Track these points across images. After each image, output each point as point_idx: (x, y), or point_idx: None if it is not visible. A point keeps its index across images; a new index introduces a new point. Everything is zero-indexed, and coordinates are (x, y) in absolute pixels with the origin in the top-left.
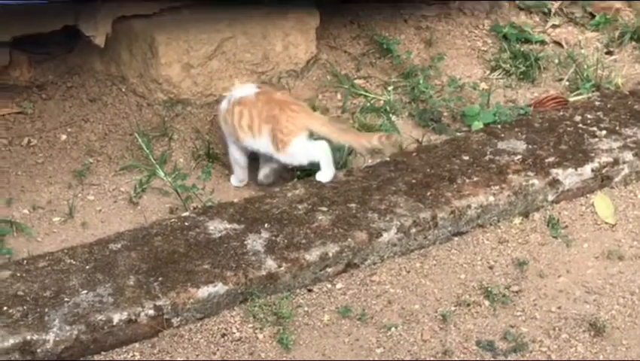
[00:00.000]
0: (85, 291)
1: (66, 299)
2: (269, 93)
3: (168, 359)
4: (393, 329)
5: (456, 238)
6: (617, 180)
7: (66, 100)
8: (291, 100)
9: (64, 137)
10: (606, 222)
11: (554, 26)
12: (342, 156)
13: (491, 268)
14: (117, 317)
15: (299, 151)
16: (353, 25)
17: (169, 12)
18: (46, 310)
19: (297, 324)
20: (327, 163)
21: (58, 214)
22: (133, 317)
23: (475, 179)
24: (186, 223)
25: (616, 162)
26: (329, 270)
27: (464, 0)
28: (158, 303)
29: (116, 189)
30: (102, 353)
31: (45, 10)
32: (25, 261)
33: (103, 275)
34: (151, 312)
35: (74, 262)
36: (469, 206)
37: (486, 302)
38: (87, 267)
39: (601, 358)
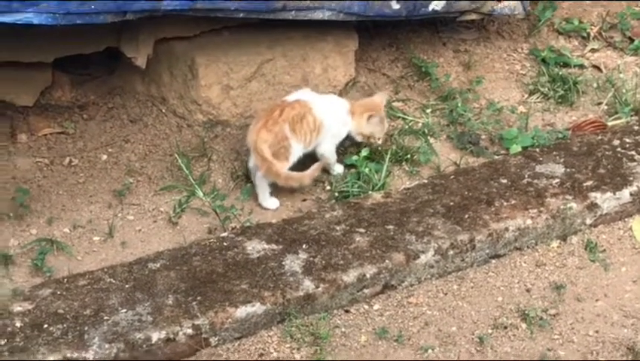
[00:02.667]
0: (124, 310)
1: (106, 318)
2: None
3: None
4: (430, 350)
5: (494, 261)
6: None
7: (107, 120)
8: None
9: (105, 157)
10: None
11: (593, 50)
12: (380, 178)
13: (528, 291)
14: (155, 336)
15: None
16: (392, 48)
17: (209, 34)
18: (85, 328)
19: (334, 345)
20: None
21: (98, 233)
22: (172, 336)
23: (513, 202)
24: (224, 243)
25: None
26: (366, 291)
27: (502, 23)
28: (196, 322)
29: (155, 209)
30: None
31: (87, 32)
32: (65, 279)
33: (142, 294)
34: (190, 331)
35: (113, 281)
36: (507, 229)
37: (523, 325)
38: (127, 286)
39: None
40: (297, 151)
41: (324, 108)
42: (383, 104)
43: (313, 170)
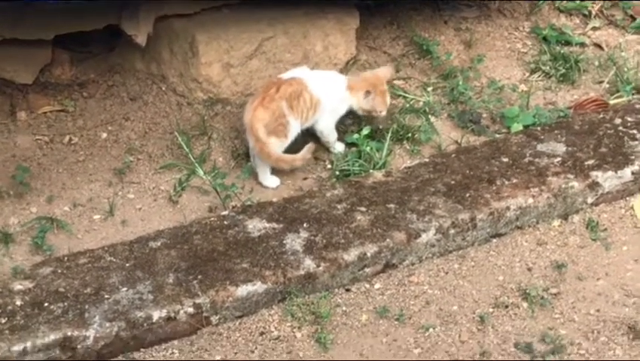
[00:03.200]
0: (125, 288)
1: (106, 296)
2: None
3: (206, 357)
4: (431, 329)
5: (495, 240)
6: None
7: (107, 98)
8: None
9: (105, 135)
10: None
11: (594, 29)
12: (381, 157)
13: (529, 270)
14: (156, 315)
15: None
16: (393, 26)
17: (209, 11)
18: (86, 306)
19: (335, 324)
20: None
21: (98, 212)
22: (172, 315)
23: (514, 181)
24: (225, 222)
25: None
26: (367, 270)
27: (504, 0)
28: (197, 301)
29: (156, 187)
30: (142, 350)
31: (87, 9)
32: (65, 258)
33: (143, 273)
34: (190, 310)
35: (114, 260)
36: (508, 208)
37: (524, 304)
38: (127, 264)
39: None
40: (294, 128)
41: (320, 85)
42: (386, 79)
43: (305, 152)
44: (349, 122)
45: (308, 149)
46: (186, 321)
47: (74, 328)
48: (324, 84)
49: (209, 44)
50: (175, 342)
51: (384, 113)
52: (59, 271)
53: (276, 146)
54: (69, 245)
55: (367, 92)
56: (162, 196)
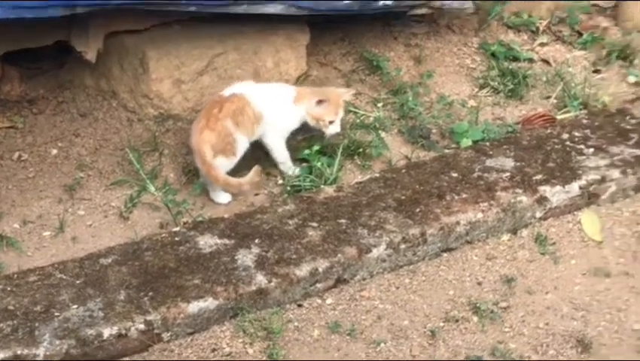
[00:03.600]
0: (75, 306)
1: (56, 314)
2: None
3: None
4: (382, 344)
5: (445, 254)
6: (603, 197)
7: (57, 115)
8: None
9: (55, 151)
10: (593, 240)
11: (542, 44)
12: (332, 172)
13: (479, 284)
14: (107, 332)
15: None
16: (343, 42)
17: (160, 27)
18: (36, 324)
19: (287, 339)
20: None
21: (48, 229)
22: (123, 332)
23: (464, 196)
24: (176, 238)
25: (603, 179)
26: (319, 285)
27: (452, 17)
28: (148, 318)
29: (106, 203)
30: None
31: (37, 26)
32: (15, 275)
33: (94, 290)
34: (142, 327)
35: (64, 277)
36: (458, 222)
37: (475, 318)
38: (78, 281)
39: None
40: (242, 144)
41: (263, 99)
42: (343, 97)
43: (252, 175)
44: (300, 137)
45: (255, 172)
46: (137, 338)
47: (24, 346)
48: (268, 97)
49: (160, 60)
50: (126, 359)
51: (335, 129)
52: (9, 288)
53: (225, 165)
54: (19, 263)
55: (320, 101)
56: (113, 213)
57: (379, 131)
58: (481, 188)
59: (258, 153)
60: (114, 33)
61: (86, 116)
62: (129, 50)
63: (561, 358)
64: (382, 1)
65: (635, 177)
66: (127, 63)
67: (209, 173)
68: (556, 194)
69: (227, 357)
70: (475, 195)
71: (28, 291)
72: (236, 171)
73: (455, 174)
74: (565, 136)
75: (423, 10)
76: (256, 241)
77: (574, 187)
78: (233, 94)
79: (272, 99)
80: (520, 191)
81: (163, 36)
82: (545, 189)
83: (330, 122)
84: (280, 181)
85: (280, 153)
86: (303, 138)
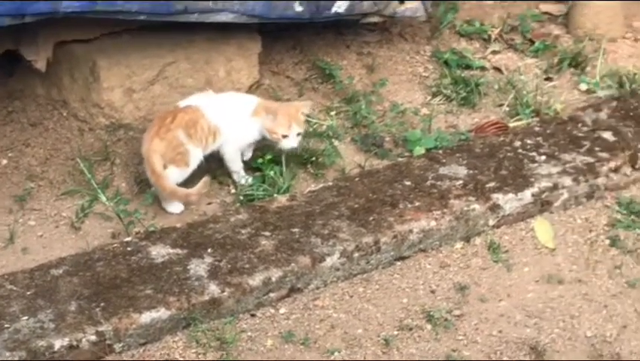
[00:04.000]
0: (26, 317)
1: (6, 325)
2: None
3: None
4: (336, 353)
5: (399, 263)
6: (556, 204)
7: (7, 124)
8: None
9: (5, 161)
10: (546, 247)
11: (494, 52)
12: (285, 181)
13: (433, 292)
14: (58, 343)
15: None
16: (295, 51)
17: (110, 36)
18: None
19: (241, 349)
20: None
21: None
22: (75, 343)
23: (417, 204)
24: (128, 248)
25: (555, 187)
26: (272, 295)
27: (405, 25)
28: (100, 329)
29: (57, 214)
30: None
31: None
32: None
33: (44, 301)
34: (93, 338)
35: (14, 288)
36: (411, 231)
37: (429, 326)
38: (28, 293)
39: None
40: (195, 155)
41: (219, 112)
42: (301, 110)
43: (200, 187)
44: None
45: (204, 183)
46: (89, 349)
47: None
48: (224, 110)
49: (111, 70)
50: None
51: (290, 144)
52: None
53: (177, 175)
54: None
55: (272, 114)
56: (64, 223)
57: (332, 140)
58: (434, 196)
59: (210, 161)
60: (64, 42)
61: (37, 126)
62: (79, 59)
63: None
64: (334, 10)
65: (587, 185)
66: (78, 72)
67: (157, 182)
68: (509, 202)
69: None
70: (428, 203)
71: None
72: (190, 181)
73: (408, 183)
74: (518, 144)
75: (375, 19)
76: (209, 250)
77: (527, 195)
78: (188, 105)
79: (231, 112)
80: (473, 199)
81: (113, 45)
82: (498, 197)
83: (284, 136)
84: (233, 190)
85: (234, 163)
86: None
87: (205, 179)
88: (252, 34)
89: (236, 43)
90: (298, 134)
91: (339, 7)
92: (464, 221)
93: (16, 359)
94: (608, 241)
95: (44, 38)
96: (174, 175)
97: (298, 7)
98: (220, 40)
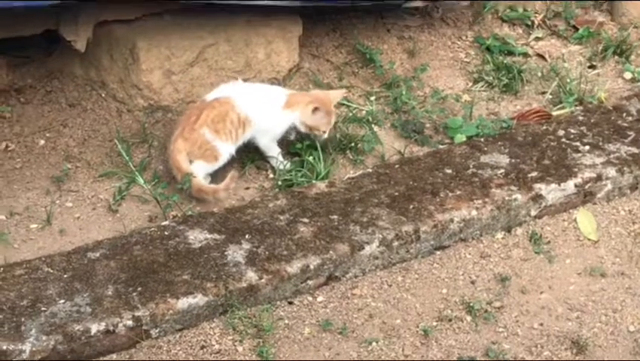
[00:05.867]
0: (62, 300)
1: (43, 308)
2: None
3: None
4: (374, 343)
5: (438, 252)
6: (599, 196)
7: (45, 104)
8: None
9: (42, 142)
10: (588, 239)
11: (537, 39)
12: (323, 167)
13: (473, 283)
14: (94, 328)
15: None
16: (336, 34)
17: (150, 17)
18: (22, 319)
19: (278, 337)
20: None
21: (35, 221)
22: (111, 328)
23: (458, 192)
24: (166, 233)
25: (599, 177)
26: (310, 282)
27: (447, 9)
28: (137, 314)
29: (95, 196)
30: None
31: (26, 14)
32: (1, 268)
33: (81, 284)
34: (130, 323)
35: (51, 271)
36: (452, 220)
37: (468, 318)
38: (65, 276)
39: None
40: (225, 149)
41: (251, 102)
42: (335, 101)
43: (228, 182)
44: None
45: (231, 178)
46: (125, 334)
47: (10, 341)
48: (256, 101)
49: (150, 51)
50: (114, 356)
51: (326, 135)
52: None
53: (204, 168)
54: (5, 255)
55: (316, 109)
56: (101, 205)
57: (372, 125)
58: (475, 185)
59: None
60: (104, 22)
61: (75, 107)
62: (119, 39)
63: (555, 359)
64: None
65: (632, 176)
66: (117, 53)
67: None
68: (552, 192)
69: (216, 355)
70: (469, 192)
71: (14, 285)
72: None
73: (449, 171)
74: (561, 133)
75: (418, 3)
76: (246, 236)
77: (570, 185)
78: (216, 98)
79: (263, 103)
80: (515, 188)
81: (154, 26)
82: (540, 187)
83: (324, 132)
84: (271, 175)
85: (270, 150)
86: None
87: (232, 173)
88: (293, 17)
89: (276, 25)
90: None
91: None
92: (506, 211)
93: (52, 343)
94: None
95: (85, 18)
96: (202, 169)
97: None
98: (260, 22)
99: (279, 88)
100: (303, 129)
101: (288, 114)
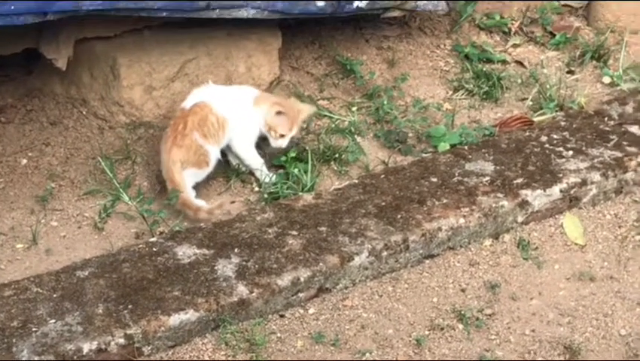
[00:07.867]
0: (53, 320)
1: (34, 329)
2: None
3: None
4: (367, 354)
5: (427, 261)
6: (585, 200)
7: (26, 123)
8: None
9: (25, 161)
10: (576, 243)
11: (515, 46)
12: (309, 179)
13: (463, 291)
14: (86, 347)
15: None
16: (315, 46)
17: (130, 33)
18: (13, 340)
19: (270, 351)
20: None
21: (21, 241)
22: (103, 346)
23: (445, 201)
24: (154, 249)
25: (584, 182)
26: (301, 295)
27: (424, 19)
28: (128, 332)
29: (80, 214)
30: None
31: (5, 33)
32: None
33: (71, 303)
34: (122, 341)
35: (41, 291)
36: (440, 228)
37: (460, 326)
38: (55, 295)
39: None
40: (214, 154)
41: (225, 103)
42: (303, 115)
43: (213, 207)
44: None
45: (219, 205)
46: (117, 353)
47: None
48: (230, 101)
49: (131, 67)
50: None
51: (283, 144)
52: None
53: (195, 175)
54: None
55: (279, 112)
56: (86, 223)
57: (355, 136)
58: (462, 193)
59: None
60: (84, 39)
61: (56, 125)
62: (99, 56)
63: None
64: (355, 4)
65: (616, 180)
66: (98, 70)
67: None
68: (537, 198)
69: None
70: (456, 200)
71: (3, 306)
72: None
73: (434, 179)
74: (544, 139)
75: (396, 13)
76: (235, 250)
77: (555, 190)
78: (195, 104)
79: (235, 102)
80: (501, 195)
81: (134, 42)
82: (526, 193)
83: (281, 136)
84: (256, 188)
85: (253, 160)
86: None
87: (222, 202)
88: (273, 30)
89: (256, 38)
90: (292, 137)
91: (361, 2)
92: (493, 218)
93: None
94: (638, 237)
95: (66, 36)
96: (193, 177)
97: (320, 3)
98: (240, 35)
99: (250, 88)
100: (263, 129)
101: (257, 111)
